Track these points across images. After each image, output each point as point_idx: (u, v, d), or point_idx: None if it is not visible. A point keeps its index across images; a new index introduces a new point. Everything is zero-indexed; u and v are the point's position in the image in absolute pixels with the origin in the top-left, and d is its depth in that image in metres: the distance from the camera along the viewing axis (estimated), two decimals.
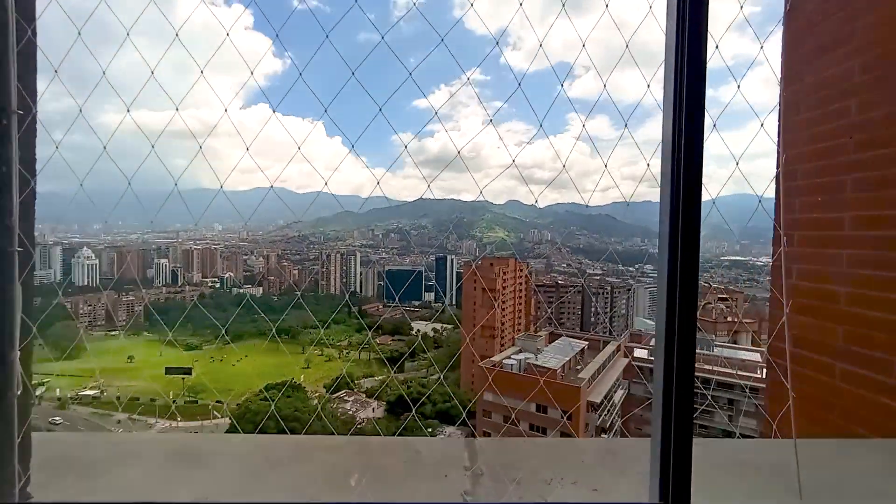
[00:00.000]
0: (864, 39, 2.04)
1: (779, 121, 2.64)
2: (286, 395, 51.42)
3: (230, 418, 47.27)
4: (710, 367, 31.98)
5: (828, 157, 2.15)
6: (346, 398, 54.90)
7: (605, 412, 31.31)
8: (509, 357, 33.41)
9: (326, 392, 56.95)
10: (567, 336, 40.52)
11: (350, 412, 50.95)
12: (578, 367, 32.85)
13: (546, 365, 31.45)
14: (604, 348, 36.09)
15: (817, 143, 2.19)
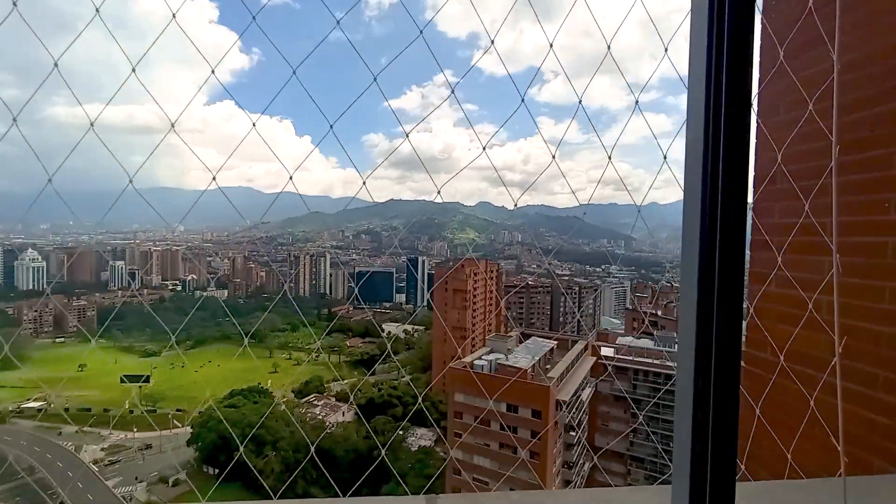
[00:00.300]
0: (844, 39, 2.00)
1: (756, 122, 2.61)
2: (252, 400, 49.40)
3: (191, 427, 45.07)
4: (673, 364, 32.97)
5: (807, 161, 2.10)
6: (315, 402, 53.50)
7: (574, 409, 31.83)
8: (480, 358, 33.47)
9: (295, 397, 55.33)
10: (537, 336, 41.00)
11: (320, 416, 49.69)
12: (548, 366, 33.28)
13: (517, 365, 31.69)
14: (572, 347, 36.72)
15: (796, 146, 2.14)
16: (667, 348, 28.63)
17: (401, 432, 43.63)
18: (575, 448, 32.44)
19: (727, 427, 0.52)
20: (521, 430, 30.53)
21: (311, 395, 55.26)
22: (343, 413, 50.18)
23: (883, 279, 1.75)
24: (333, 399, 54.27)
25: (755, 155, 2.59)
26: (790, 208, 2.22)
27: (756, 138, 2.62)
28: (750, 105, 0.50)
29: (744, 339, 2.57)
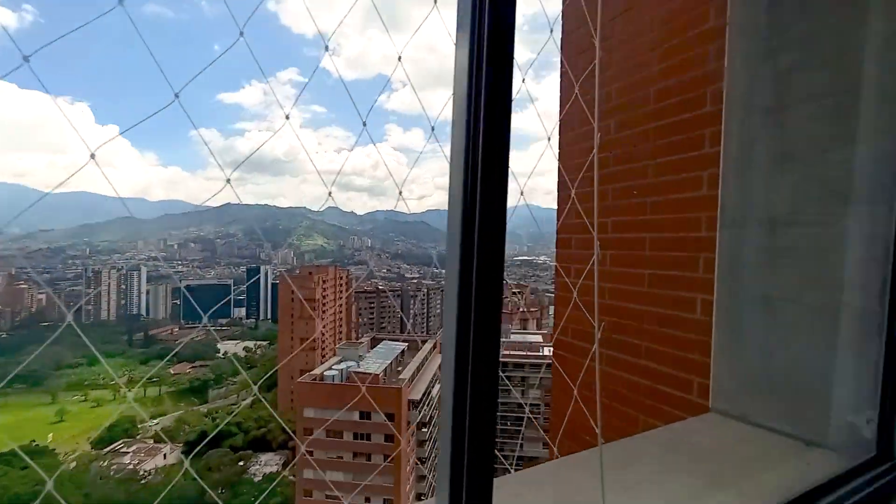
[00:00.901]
0: (617, 69, 2.40)
1: (559, 136, 2.98)
2: (20, 466, 36.37)
3: None
4: (507, 353, 37.02)
5: (592, 170, 2.46)
6: (124, 450, 43.67)
7: (425, 407, 32.99)
8: (330, 368, 32.16)
9: (93, 448, 44.15)
10: (388, 340, 41.34)
11: (130, 466, 40.81)
12: (399, 368, 33.84)
13: (368, 371, 31.40)
14: (422, 347, 38.08)
15: (586, 158, 2.50)
16: (503, 339, 31.91)
17: (241, 463, 38.94)
18: (427, 444, 33.66)
19: (484, 437, 0.47)
20: (375, 436, 30.33)
21: (118, 442, 44.97)
22: (165, 455, 42.36)
23: (642, 268, 2.14)
24: (151, 441, 45.26)
25: (558, 163, 2.98)
26: (582, 210, 2.60)
27: (560, 148, 3.02)
28: (508, 116, 0.48)
29: (555, 328, 2.91)
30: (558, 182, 2.81)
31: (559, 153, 2.85)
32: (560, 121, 2.86)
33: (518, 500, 0.86)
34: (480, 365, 0.48)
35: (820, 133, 1.14)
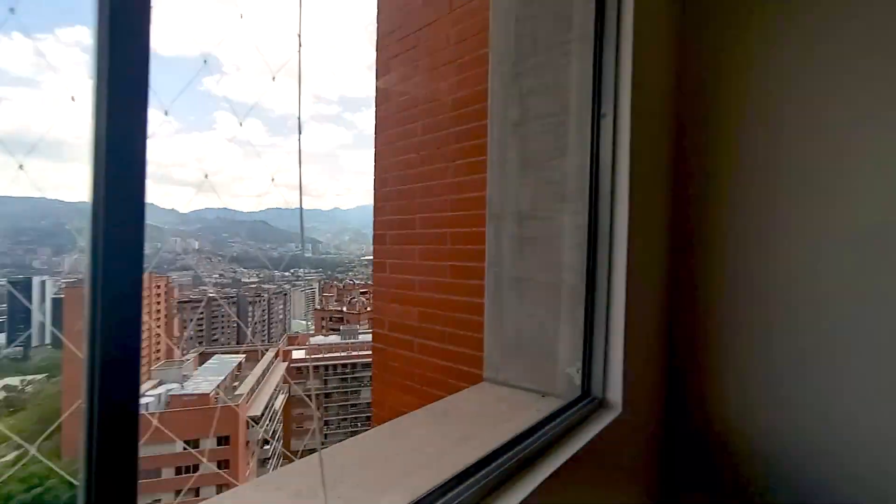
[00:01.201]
0: (424, 76, 2.57)
1: (376, 137, 3.06)
2: None
3: None
4: (357, 353, 36.63)
5: (404, 169, 2.60)
6: None
7: (269, 421, 30.41)
8: (144, 395, 27.03)
9: None
10: (221, 353, 36.75)
11: None
12: (236, 383, 30.41)
13: (197, 391, 27.41)
14: (263, 357, 34.96)
15: (399, 157, 2.63)
16: (350, 340, 31.50)
17: None
18: (271, 461, 31.04)
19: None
20: (208, 465, 26.60)
21: None
22: None
23: (446, 260, 2.36)
24: None
25: (375, 162, 3.06)
26: (396, 207, 2.73)
27: (375, 148, 3.10)
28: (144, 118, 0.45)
29: (375, 320, 2.99)
30: (374, 180, 2.90)
31: (376, 153, 2.94)
32: (376, 122, 2.95)
33: None
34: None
35: (546, 146, 1.41)
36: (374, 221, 2.88)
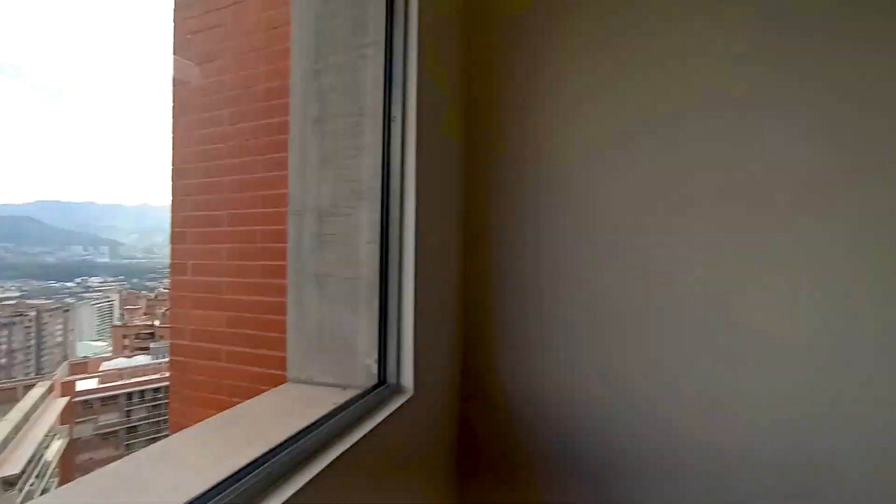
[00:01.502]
0: (231, 60, 2.35)
1: (174, 122, 2.67)
2: None
3: None
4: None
5: (210, 160, 2.35)
6: None
7: (33, 478, 23.56)
8: None
9: None
10: None
11: None
12: None
13: None
14: (24, 396, 26.93)
15: (201, 146, 2.35)
16: (164, 360, 26.71)
17: None
18: None
19: None
20: None
21: None
22: None
23: (254, 259, 2.21)
24: None
25: (172, 151, 2.67)
26: (199, 202, 2.43)
27: (174, 134, 2.70)
28: None
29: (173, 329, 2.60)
30: (172, 171, 2.53)
31: (174, 140, 2.57)
32: (173, 104, 2.57)
33: None
34: None
35: (346, 144, 1.44)
36: (172, 218, 2.51)
